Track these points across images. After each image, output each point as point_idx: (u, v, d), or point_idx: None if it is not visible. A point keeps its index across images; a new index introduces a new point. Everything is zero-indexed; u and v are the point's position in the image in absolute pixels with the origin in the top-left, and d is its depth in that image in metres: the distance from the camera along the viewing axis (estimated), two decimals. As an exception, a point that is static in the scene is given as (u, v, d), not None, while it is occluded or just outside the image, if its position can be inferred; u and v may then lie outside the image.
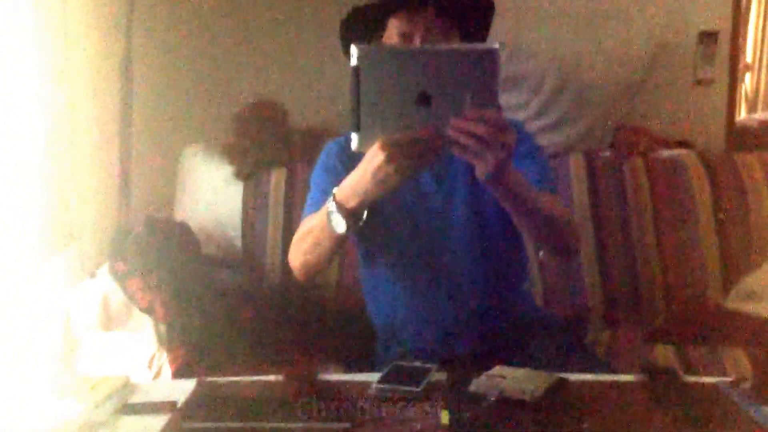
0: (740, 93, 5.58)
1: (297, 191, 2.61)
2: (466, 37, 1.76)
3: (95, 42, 2.56)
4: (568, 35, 2.78)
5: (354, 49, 1.35)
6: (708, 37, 2.95)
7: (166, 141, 2.78)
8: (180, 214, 2.64)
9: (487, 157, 1.36)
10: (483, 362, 1.53)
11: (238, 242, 2.60)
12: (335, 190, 1.55)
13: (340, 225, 1.54)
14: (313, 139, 2.69)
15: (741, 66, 5.50)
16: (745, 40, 5.49)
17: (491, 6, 1.81)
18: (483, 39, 1.80)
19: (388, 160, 1.40)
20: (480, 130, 1.34)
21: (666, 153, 2.71)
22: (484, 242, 1.85)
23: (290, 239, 2.47)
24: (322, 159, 1.90)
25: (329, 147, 1.91)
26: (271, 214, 2.60)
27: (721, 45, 2.97)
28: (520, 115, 2.69)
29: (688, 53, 2.96)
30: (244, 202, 2.63)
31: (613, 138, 2.80)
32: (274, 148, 2.69)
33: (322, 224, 1.61)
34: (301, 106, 2.81)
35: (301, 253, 1.74)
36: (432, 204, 1.84)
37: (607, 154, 2.72)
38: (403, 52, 1.47)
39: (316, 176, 1.89)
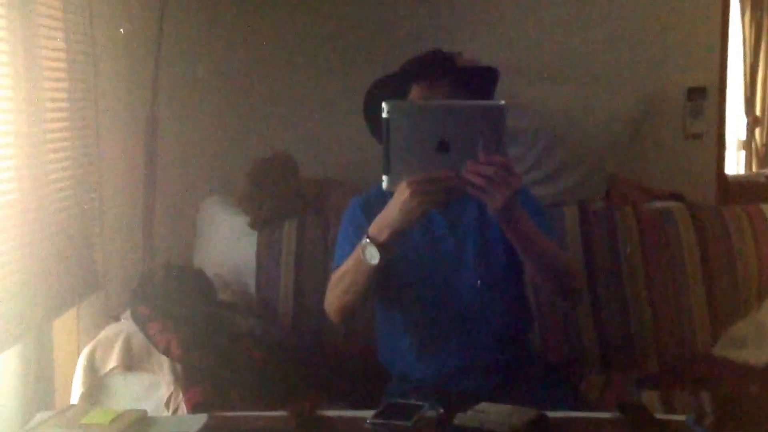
0: (752, 147, 5.59)
1: (308, 241, 2.71)
2: (476, 97, 1.93)
3: (123, 100, 2.70)
4: (561, 93, 2.90)
5: (385, 105, 1.59)
6: (696, 93, 3.06)
7: (186, 193, 2.91)
8: (198, 262, 2.75)
9: (496, 194, 1.58)
10: (484, 400, 1.68)
11: (252, 289, 2.69)
12: (369, 228, 1.75)
13: (374, 257, 1.74)
14: (323, 191, 2.82)
15: (750, 120, 5.52)
16: (753, 94, 5.52)
17: (497, 75, 2.02)
18: (490, 98, 2.00)
19: (413, 195, 1.61)
20: (489, 171, 1.56)
21: (656, 205, 2.79)
22: (493, 289, 2.01)
23: (301, 285, 2.64)
24: (347, 214, 2.08)
25: (354, 203, 2.08)
26: (283, 262, 2.68)
27: (710, 100, 3.08)
28: (516, 168, 2.76)
29: (678, 108, 3.08)
30: (258, 251, 2.71)
31: (606, 190, 2.89)
32: (287, 199, 2.78)
33: (357, 262, 1.80)
34: (311, 160, 2.92)
35: (337, 296, 1.91)
36: (445, 249, 2.01)
37: (600, 205, 2.80)
38: (426, 107, 1.71)
39: (344, 230, 2.06)
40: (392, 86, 1.96)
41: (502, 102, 1.61)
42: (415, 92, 1.94)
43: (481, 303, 2.00)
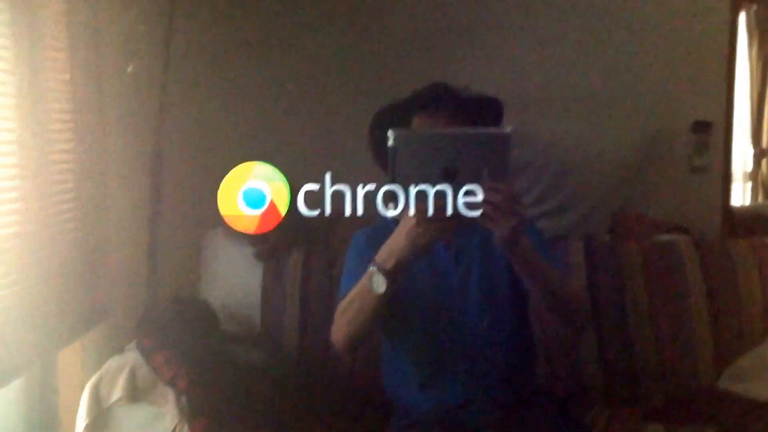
0: (758, 178, 5.58)
1: (313, 272, 2.71)
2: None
3: (128, 131, 2.71)
4: (568, 126, 2.91)
5: (391, 133, 1.60)
6: (702, 127, 3.06)
7: (191, 224, 2.90)
8: (203, 293, 2.75)
9: (502, 222, 1.58)
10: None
11: (257, 320, 2.68)
12: (376, 255, 1.75)
13: (381, 285, 1.74)
14: (328, 224, 2.81)
15: (756, 151, 5.52)
16: (760, 125, 5.51)
17: (501, 107, 2.03)
18: None
19: (419, 223, 1.61)
20: (495, 199, 1.56)
21: (661, 238, 2.79)
22: (498, 322, 2.01)
23: (307, 318, 2.64)
24: (353, 246, 2.08)
25: (359, 234, 2.09)
26: (288, 293, 2.69)
27: (716, 133, 3.09)
28: (523, 200, 2.78)
29: (683, 142, 3.08)
30: (263, 282, 2.72)
31: (612, 223, 2.88)
32: (293, 230, 2.77)
33: (363, 291, 1.80)
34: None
35: (343, 325, 1.90)
36: (450, 283, 2.01)
37: (606, 238, 2.81)
38: (431, 135, 1.72)
39: (349, 262, 2.06)
40: (395, 116, 1.97)
41: (508, 129, 1.62)
42: (417, 123, 1.96)
43: (486, 336, 2.00)
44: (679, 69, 3.06)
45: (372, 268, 1.75)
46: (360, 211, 1.55)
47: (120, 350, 2.36)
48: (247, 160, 3.00)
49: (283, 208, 1.59)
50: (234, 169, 1.59)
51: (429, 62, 3.00)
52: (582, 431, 2.15)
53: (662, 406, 2.52)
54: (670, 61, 3.05)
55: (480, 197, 1.56)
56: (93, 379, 2.21)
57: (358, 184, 1.56)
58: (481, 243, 2.01)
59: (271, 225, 1.58)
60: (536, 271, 1.78)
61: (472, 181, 1.57)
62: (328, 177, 1.55)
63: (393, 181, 1.59)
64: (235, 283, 2.76)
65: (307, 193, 1.56)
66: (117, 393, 2.16)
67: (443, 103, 1.97)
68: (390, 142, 1.60)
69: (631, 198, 2.99)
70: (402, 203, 1.59)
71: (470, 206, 1.57)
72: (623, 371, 2.61)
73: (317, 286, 2.69)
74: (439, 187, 1.57)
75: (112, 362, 2.27)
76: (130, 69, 2.62)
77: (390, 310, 1.90)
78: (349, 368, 2.56)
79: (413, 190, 1.58)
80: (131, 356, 2.26)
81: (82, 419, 2.17)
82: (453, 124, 1.93)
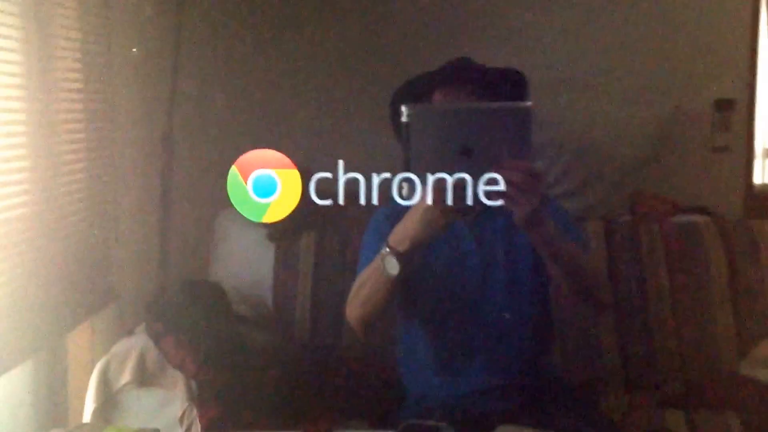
0: None
1: (326, 254, 2.68)
2: None
3: (139, 112, 2.70)
4: (588, 105, 2.86)
5: (404, 108, 1.51)
6: (724, 105, 2.99)
7: (202, 206, 2.87)
8: (215, 275, 2.72)
9: (522, 201, 1.51)
10: (504, 422, 1.63)
11: (269, 302, 2.66)
12: (390, 237, 1.71)
13: (394, 267, 1.69)
14: (340, 206, 2.81)
15: None
16: None
17: (524, 80, 1.97)
18: None
19: (435, 203, 1.53)
20: (515, 178, 1.48)
21: (682, 219, 2.74)
22: (519, 307, 1.96)
23: (318, 300, 2.61)
24: (372, 224, 2.02)
25: (379, 213, 2.02)
26: (300, 275, 2.66)
27: (738, 112, 3.01)
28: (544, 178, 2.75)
29: (705, 120, 3.01)
30: (276, 264, 2.69)
31: (631, 204, 2.82)
32: (306, 211, 2.78)
33: (376, 272, 1.75)
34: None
35: (357, 306, 1.86)
36: (471, 265, 1.96)
37: (626, 219, 2.76)
38: (447, 110, 1.66)
39: (367, 239, 2.01)
40: (416, 91, 1.91)
41: (528, 103, 1.55)
42: (438, 97, 1.90)
43: (506, 321, 1.95)
44: (701, 46, 2.98)
45: (385, 250, 1.70)
46: (375, 200, 1.48)
47: (129, 333, 2.34)
48: (258, 143, 2.98)
49: (294, 197, 1.51)
50: (242, 156, 1.52)
51: (446, 44, 2.92)
52: (600, 417, 2.11)
53: (682, 391, 2.49)
54: (692, 39, 2.98)
55: (500, 178, 1.50)
56: (101, 363, 2.19)
57: (372, 172, 1.49)
58: (505, 222, 1.94)
59: (282, 213, 1.51)
60: (558, 251, 1.72)
61: (490, 158, 1.49)
62: (341, 165, 1.47)
63: (408, 158, 1.53)
64: (246, 265, 2.74)
65: (319, 181, 1.48)
66: (126, 377, 2.15)
67: (465, 76, 1.92)
68: (403, 118, 1.52)
69: (652, 177, 2.94)
70: (417, 185, 1.54)
71: (489, 189, 1.51)
72: (642, 356, 2.56)
73: (330, 268, 2.66)
74: (456, 164, 1.50)
75: (121, 345, 2.25)
76: (135, 50, 2.59)
77: (407, 291, 1.87)
78: (362, 352, 2.52)
79: (429, 169, 1.52)
80: (141, 339, 2.24)
81: (90, 403, 2.15)
82: (476, 98, 1.87)
